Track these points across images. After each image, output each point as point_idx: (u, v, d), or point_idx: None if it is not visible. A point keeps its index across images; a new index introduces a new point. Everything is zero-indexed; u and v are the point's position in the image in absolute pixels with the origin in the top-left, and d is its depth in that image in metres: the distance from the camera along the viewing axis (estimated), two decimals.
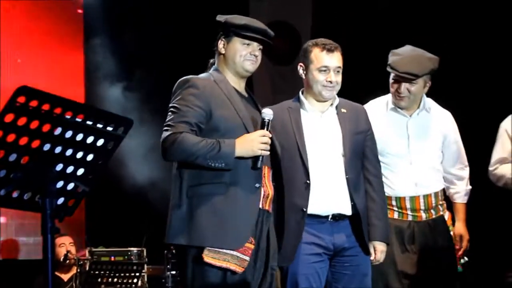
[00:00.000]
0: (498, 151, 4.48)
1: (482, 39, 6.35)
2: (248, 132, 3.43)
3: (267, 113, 3.43)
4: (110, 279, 5.75)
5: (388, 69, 4.12)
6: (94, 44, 7.61)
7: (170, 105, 3.47)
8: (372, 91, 4.38)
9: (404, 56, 4.12)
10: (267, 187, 3.50)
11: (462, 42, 6.34)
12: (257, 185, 3.41)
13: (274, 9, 8.03)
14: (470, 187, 4.40)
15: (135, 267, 5.95)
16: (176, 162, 3.46)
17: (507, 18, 6.06)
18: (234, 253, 3.33)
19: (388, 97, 4.25)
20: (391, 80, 4.16)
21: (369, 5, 6.91)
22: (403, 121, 4.20)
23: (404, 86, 4.10)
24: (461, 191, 4.36)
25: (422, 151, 4.18)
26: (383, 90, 4.30)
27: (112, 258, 6.55)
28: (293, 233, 3.63)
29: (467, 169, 4.41)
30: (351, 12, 6.85)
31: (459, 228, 4.33)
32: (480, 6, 6.37)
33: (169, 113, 3.44)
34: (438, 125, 4.26)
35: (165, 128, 3.40)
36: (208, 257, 3.30)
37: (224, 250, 3.31)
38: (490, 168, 4.50)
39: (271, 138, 3.43)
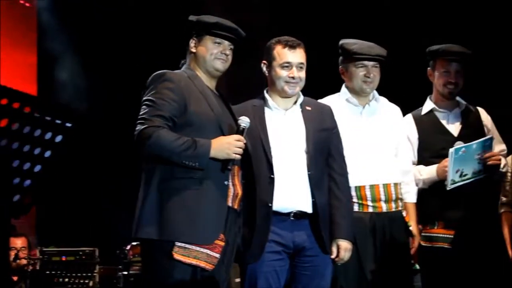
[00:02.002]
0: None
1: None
2: (221, 129, 3.46)
3: (244, 120, 3.47)
4: (61, 279, 5.68)
5: (355, 56, 4.14)
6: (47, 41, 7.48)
7: (144, 98, 3.44)
8: (328, 90, 4.36)
9: (362, 43, 4.19)
10: (237, 186, 3.50)
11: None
12: (225, 182, 3.41)
13: (228, 6, 7.98)
14: (418, 186, 4.39)
15: (86, 267, 5.86)
16: (146, 155, 3.41)
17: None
18: (204, 250, 3.32)
19: (339, 94, 4.26)
20: (354, 68, 4.16)
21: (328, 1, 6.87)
22: (357, 111, 4.21)
23: (372, 70, 4.15)
24: (411, 190, 4.35)
25: (378, 139, 4.18)
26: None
27: (63, 258, 6.43)
28: (261, 229, 3.61)
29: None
30: (309, 10, 6.82)
31: (411, 227, 4.30)
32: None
33: (144, 107, 3.41)
34: (390, 117, 4.28)
35: (140, 121, 3.37)
36: (178, 254, 3.28)
37: (194, 247, 3.30)
38: None
39: (245, 144, 3.44)
